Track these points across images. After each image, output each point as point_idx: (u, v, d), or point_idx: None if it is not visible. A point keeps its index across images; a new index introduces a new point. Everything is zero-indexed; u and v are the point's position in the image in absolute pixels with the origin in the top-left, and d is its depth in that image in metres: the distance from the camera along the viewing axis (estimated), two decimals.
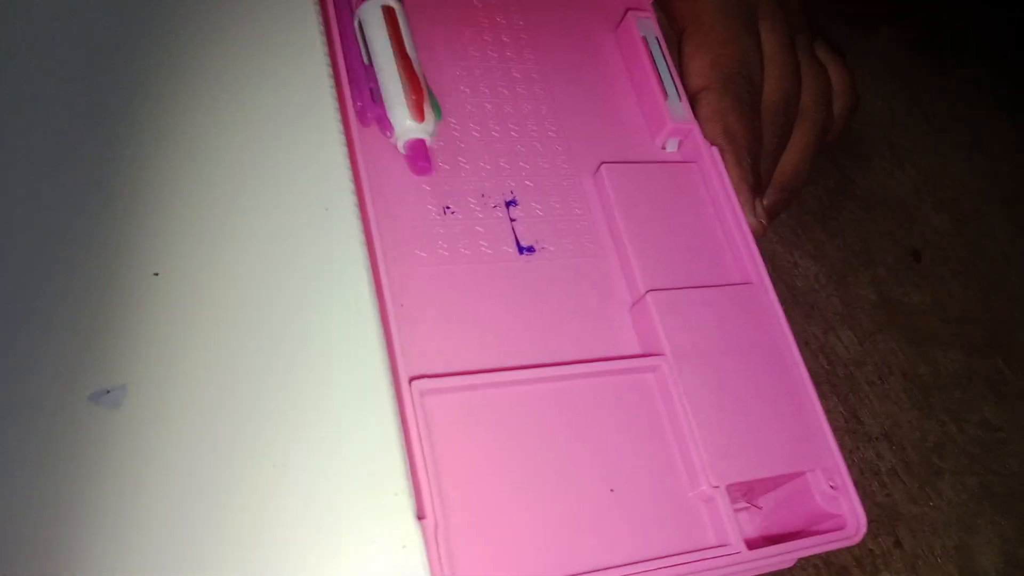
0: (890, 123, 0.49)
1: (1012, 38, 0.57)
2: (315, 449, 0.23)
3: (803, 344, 0.29)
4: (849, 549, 0.32)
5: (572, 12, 0.36)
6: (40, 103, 0.25)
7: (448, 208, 0.29)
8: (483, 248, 0.29)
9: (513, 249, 0.30)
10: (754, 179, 0.33)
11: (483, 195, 0.30)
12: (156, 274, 0.24)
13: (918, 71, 0.52)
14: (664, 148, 0.34)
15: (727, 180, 0.32)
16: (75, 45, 0.26)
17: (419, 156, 0.29)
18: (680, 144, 0.34)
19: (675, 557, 0.25)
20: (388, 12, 0.30)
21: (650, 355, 0.28)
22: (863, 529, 0.27)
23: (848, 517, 0.27)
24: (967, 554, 0.35)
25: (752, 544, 0.26)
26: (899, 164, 0.47)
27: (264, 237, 0.26)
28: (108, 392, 0.23)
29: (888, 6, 0.54)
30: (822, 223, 0.41)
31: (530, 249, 0.30)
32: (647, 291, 0.29)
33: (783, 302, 0.30)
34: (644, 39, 0.35)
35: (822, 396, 0.29)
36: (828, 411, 0.29)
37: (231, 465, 0.22)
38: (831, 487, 0.28)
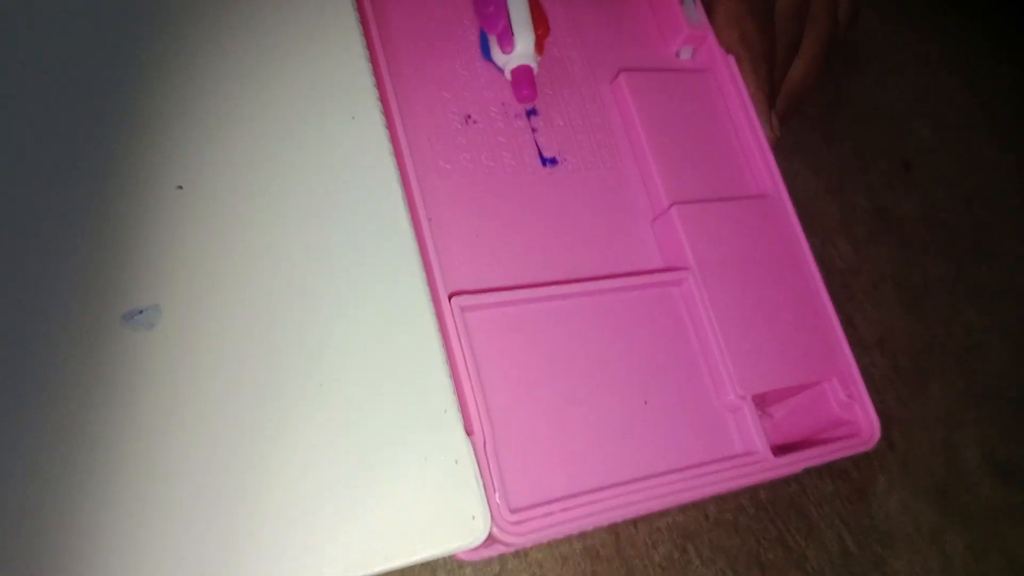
0: (879, 32, 0.48)
1: None
2: (361, 370, 0.22)
3: None
4: None
5: None
6: (70, 25, 0.23)
7: (470, 117, 0.29)
8: (506, 159, 0.29)
9: (536, 160, 0.29)
10: (769, 88, 0.32)
11: (504, 104, 0.29)
12: (180, 187, 0.23)
13: None
14: (678, 56, 0.33)
15: (743, 89, 0.32)
16: None
17: (525, 83, 0.29)
18: (694, 52, 0.34)
19: (710, 465, 0.25)
20: None
21: (675, 269, 0.28)
22: (877, 435, 0.28)
23: (863, 424, 0.29)
24: (953, 450, 0.37)
25: (774, 451, 0.27)
26: (889, 74, 0.47)
27: (291, 146, 0.25)
28: (141, 312, 0.22)
29: None
30: (820, 133, 0.41)
31: (553, 161, 0.29)
32: (671, 204, 0.29)
33: None
34: None
35: None
36: None
37: (275, 385, 0.22)
38: (847, 396, 0.29)
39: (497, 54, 0.29)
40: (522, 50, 0.28)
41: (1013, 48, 0.52)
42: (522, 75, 0.29)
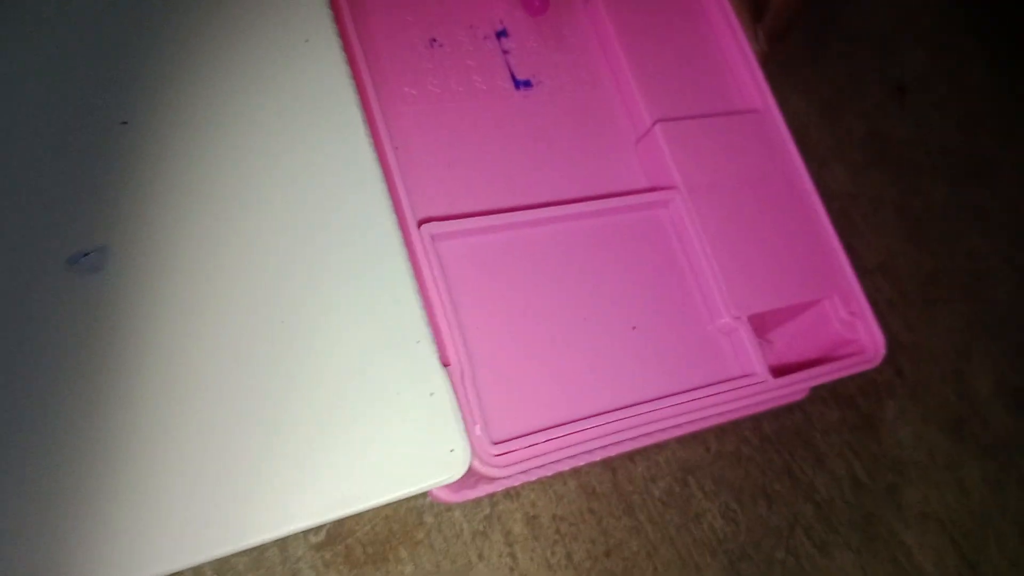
0: None
1: None
2: (325, 302, 0.21)
3: None
4: (853, 380, 0.32)
5: None
6: None
7: (435, 40, 0.27)
8: (476, 83, 0.27)
9: (509, 84, 0.27)
10: (752, 2, 0.31)
11: (471, 26, 0.28)
12: (124, 123, 0.22)
13: None
14: None
15: (726, 3, 0.30)
16: None
17: None
18: None
19: (704, 389, 0.24)
20: None
21: (662, 188, 0.27)
22: (882, 351, 0.27)
23: (866, 341, 0.27)
24: (963, 379, 0.35)
25: (774, 374, 0.26)
26: None
27: (240, 72, 0.23)
28: (87, 255, 0.20)
29: None
30: (810, 60, 0.40)
31: (527, 83, 0.28)
32: (655, 122, 0.27)
33: None
34: None
35: None
36: None
37: (233, 325, 0.20)
38: (849, 313, 0.27)
39: None
40: None
41: None
42: None
